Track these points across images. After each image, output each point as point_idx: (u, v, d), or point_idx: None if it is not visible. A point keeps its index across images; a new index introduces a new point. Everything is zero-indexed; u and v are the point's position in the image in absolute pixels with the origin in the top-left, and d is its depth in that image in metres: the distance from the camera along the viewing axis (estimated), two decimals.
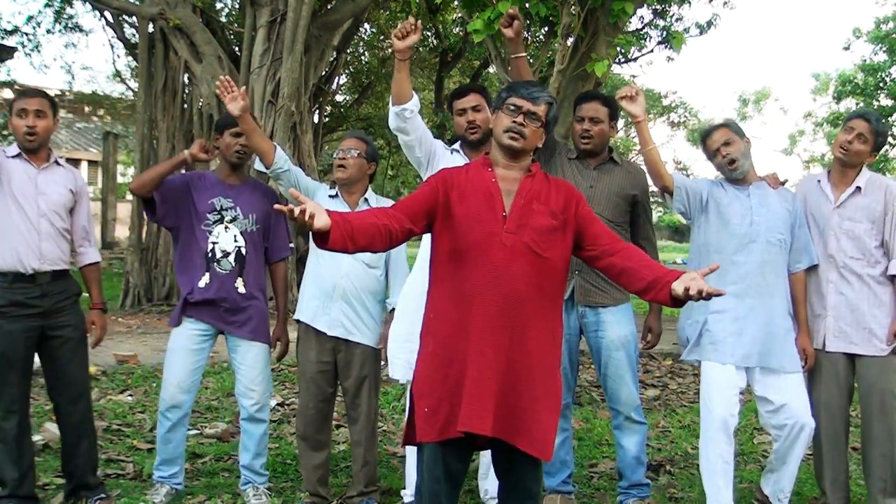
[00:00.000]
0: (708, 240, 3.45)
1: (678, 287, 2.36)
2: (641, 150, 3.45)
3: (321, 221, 2.26)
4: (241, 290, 3.55)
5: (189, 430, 4.74)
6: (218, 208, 3.54)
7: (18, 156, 3.34)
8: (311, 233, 2.29)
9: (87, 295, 3.58)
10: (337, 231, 2.31)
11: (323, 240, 2.32)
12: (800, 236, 3.43)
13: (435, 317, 2.58)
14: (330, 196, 3.56)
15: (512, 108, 2.57)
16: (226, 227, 3.54)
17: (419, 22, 3.09)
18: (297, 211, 2.21)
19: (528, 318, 2.50)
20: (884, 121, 3.63)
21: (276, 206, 2.33)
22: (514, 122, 2.55)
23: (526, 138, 2.56)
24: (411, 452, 3.54)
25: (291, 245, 3.81)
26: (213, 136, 3.70)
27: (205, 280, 3.51)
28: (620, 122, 3.68)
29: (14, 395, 3.30)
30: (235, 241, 3.55)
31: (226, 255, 3.53)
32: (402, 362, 3.41)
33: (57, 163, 3.44)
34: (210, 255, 3.51)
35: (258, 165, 3.61)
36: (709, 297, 2.34)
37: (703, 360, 3.42)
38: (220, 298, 3.51)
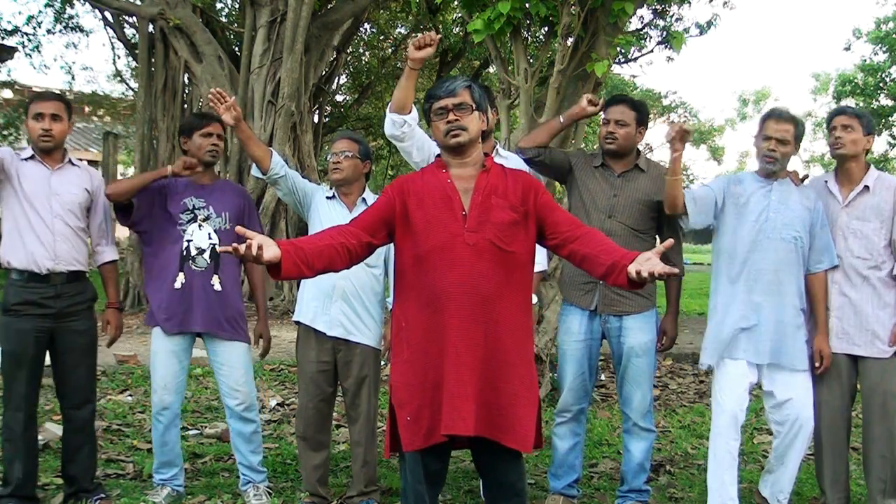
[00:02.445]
0: (731, 239, 3.43)
1: (632, 269, 2.35)
2: (667, 178, 3.41)
3: (269, 254, 2.27)
4: (217, 287, 3.54)
5: (189, 430, 4.76)
6: (190, 207, 3.54)
7: (32, 157, 3.39)
8: (265, 266, 2.30)
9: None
10: (289, 260, 2.33)
11: (275, 271, 2.33)
12: (821, 236, 3.42)
13: (406, 325, 2.58)
14: (327, 198, 3.57)
15: (439, 111, 2.58)
16: (199, 226, 3.54)
17: (439, 38, 3.08)
18: (241, 248, 2.22)
19: (499, 314, 2.50)
20: (866, 111, 3.64)
21: (220, 248, 2.33)
22: (448, 122, 2.56)
23: (467, 129, 2.56)
24: None
25: None
26: (180, 139, 3.67)
27: (180, 280, 3.50)
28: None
29: (22, 394, 3.32)
30: (210, 238, 3.54)
31: (201, 252, 3.52)
32: None
33: (71, 162, 3.48)
34: (185, 253, 3.51)
35: (255, 172, 3.61)
36: (661, 277, 2.31)
37: (719, 359, 3.43)
38: (196, 297, 3.50)
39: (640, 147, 3.71)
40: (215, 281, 3.54)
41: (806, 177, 3.59)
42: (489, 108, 3.45)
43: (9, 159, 3.33)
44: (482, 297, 2.47)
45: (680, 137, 3.28)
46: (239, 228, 2.33)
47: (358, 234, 2.52)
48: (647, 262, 2.33)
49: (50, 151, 3.39)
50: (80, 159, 3.64)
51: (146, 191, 3.51)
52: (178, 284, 3.49)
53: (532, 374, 2.60)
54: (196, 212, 3.54)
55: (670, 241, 2.48)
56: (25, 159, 3.38)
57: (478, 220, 2.51)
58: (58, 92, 3.64)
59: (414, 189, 2.59)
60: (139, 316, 9.98)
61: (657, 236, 3.65)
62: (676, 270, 2.35)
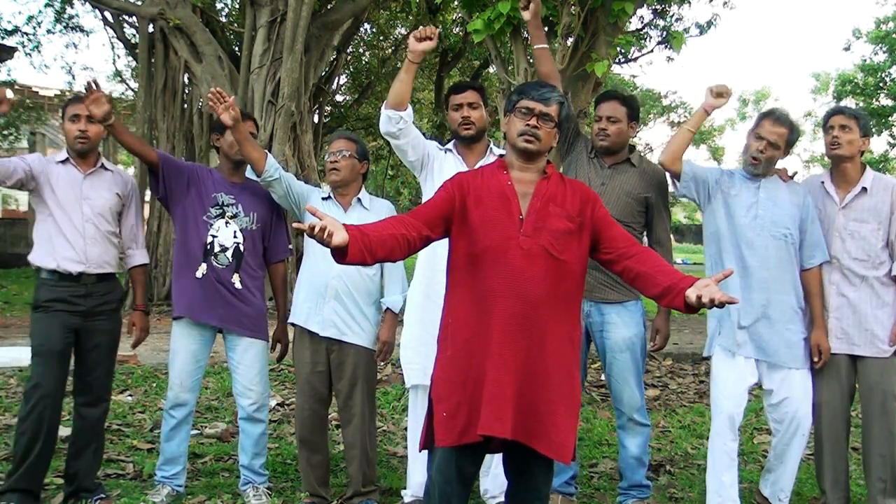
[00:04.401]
0: (717, 228, 3.47)
1: (692, 294, 2.37)
2: (682, 126, 3.48)
3: (339, 238, 2.26)
4: (237, 285, 3.57)
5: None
6: (220, 203, 3.58)
7: (66, 161, 3.44)
8: (329, 249, 2.30)
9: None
10: (355, 246, 2.31)
11: (341, 255, 2.32)
12: (812, 231, 3.42)
13: (453, 321, 2.58)
14: (323, 199, 3.57)
15: (524, 111, 2.57)
16: (226, 223, 3.57)
17: (439, 31, 3.07)
18: (317, 228, 2.22)
19: (545, 321, 2.50)
20: (863, 112, 3.64)
21: (296, 224, 2.34)
22: (528, 124, 2.56)
23: (541, 140, 2.57)
24: (413, 453, 3.53)
25: (290, 247, 3.84)
26: (211, 136, 3.76)
27: (201, 270, 3.54)
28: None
29: (50, 390, 3.32)
30: (235, 237, 3.58)
31: (224, 249, 3.56)
32: (417, 367, 3.41)
33: (104, 167, 3.52)
34: (209, 247, 3.54)
35: (250, 174, 3.62)
36: (721, 304, 2.34)
37: (713, 350, 3.45)
38: (216, 291, 3.53)
39: (640, 147, 3.74)
40: (235, 279, 3.57)
41: (795, 174, 3.60)
42: (483, 106, 3.49)
43: (38, 167, 3.38)
44: (529, 301, 2.47)
45: (717, 94, 3.36)
46: (310, 206, 2.34)
47: (418, 227, 2.52)
48: (707, 289, 2.36)
49: (85, 154, 3.45)
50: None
51: (177, 168, 3.59)
52: (199, 274, 3.53)
53: (575, 384, 2.59)
54: (225, 208, 3.58)
55: (730, 269, 2.51)
56: (60, 162, 3.43)
57: (534, 225, 2.52)
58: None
59: (473, 186, 2.60)
60: (150, 316, 9.98)
61: (645, 233, 3.67)
62: (737, 300, 2.37)
